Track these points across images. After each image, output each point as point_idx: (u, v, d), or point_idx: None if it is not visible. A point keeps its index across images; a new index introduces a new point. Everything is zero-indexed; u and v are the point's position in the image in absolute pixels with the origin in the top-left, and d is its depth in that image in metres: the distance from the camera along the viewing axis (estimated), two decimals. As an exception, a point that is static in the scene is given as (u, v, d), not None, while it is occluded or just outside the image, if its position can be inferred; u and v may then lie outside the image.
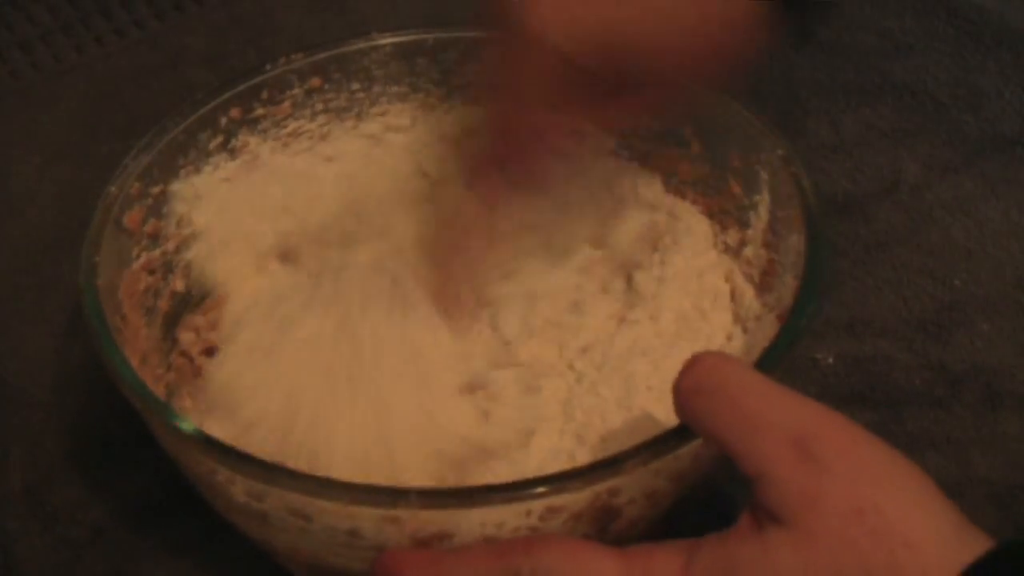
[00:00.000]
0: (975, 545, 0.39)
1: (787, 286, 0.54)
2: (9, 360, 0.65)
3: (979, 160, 0.76)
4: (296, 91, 0.62)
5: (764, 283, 0.58)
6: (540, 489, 0.44)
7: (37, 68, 0.82)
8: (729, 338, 0.58)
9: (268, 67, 0.61)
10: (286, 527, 0.46)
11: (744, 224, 0.60)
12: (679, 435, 0.45)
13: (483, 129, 0.57)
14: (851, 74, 0.81)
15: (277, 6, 0.86)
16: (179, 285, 0.59)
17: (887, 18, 0.85)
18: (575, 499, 0.44)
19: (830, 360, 0.65)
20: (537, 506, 0.44)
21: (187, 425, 0.46)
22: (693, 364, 0.43)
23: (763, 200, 0.58)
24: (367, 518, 0.44)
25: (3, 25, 0.85)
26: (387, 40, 0.63)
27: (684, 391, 0.43)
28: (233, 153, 0.61)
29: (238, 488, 0.46)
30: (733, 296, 0.59)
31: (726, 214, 0.61)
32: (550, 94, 0.52)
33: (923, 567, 0.38)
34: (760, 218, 0.58)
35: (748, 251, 0.59)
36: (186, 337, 0.59)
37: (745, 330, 0.58)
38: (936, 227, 0.72)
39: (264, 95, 0.61)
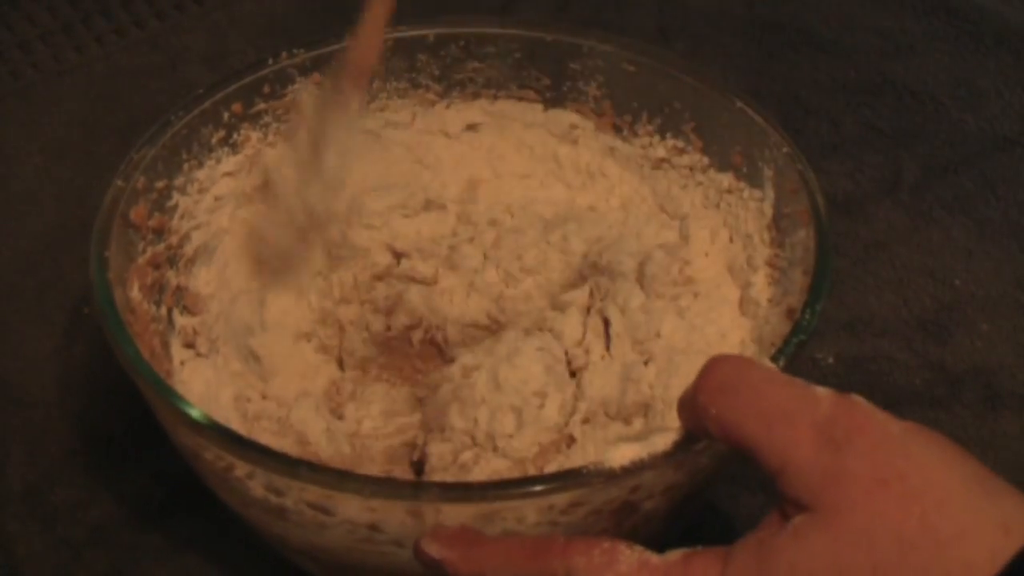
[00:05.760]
0: (1005, 499, 0.39)
1: (794, 281, 0.54)
2: (9, 360, 0.65)
3: (979, 160, 0.76)
4: (297, 86, 0.62)
5: (770, 276, 0.58)
6: (560, 485, 0.44)
7: (37, 68, 0.82)
8: (739, 329, 0.58)
9: (270, 62, 0.61)
10: (304, 522, 0.46)
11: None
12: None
13: None
14: (851, 74, 0.81)
15: (277, 6, 0.86)
16: (183, 281, 0.59)
17: (887, 18, 0.85)
18: (596, 495, 0.44)
19: (830, 360, 0.65)
20: (559, 501, 0.44)
21: (203, 417, 0.46)
22: (714, 365, 0.43)
23: (767, 196, 0.58)
24: (389, 512, 0.44)
25: (3, 25, 0.84)
26: (387, 35, 0.63)
27: (708, 390, 0.42)
28: (235, 148, 0.61)
29: (256, 482, 0.46)
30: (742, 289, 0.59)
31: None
32: None
33: (959, 527, 0.38)
34: (764, 214, 0.58)
35: (752, 244, 0.59)
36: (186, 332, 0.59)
37: (753, 318, 0.58)
38: (936, 227, 0.72)
39: (265, 90, 0.61)
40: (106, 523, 0.58)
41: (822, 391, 0.41)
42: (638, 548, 0.42)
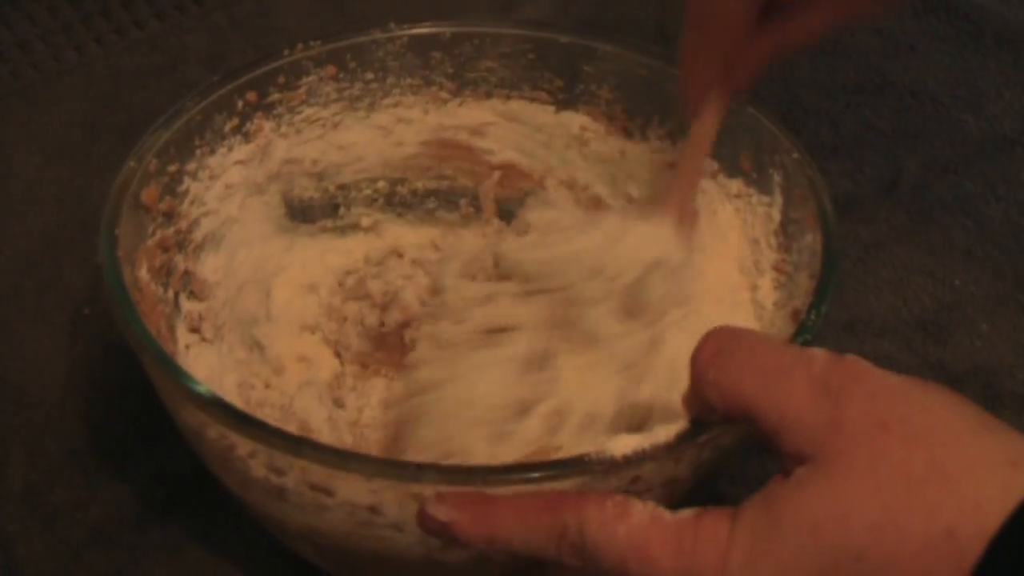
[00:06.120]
0: (1009, 437, 0.39)
1: (800, 284, 0.55)
2: (9, 360, 0.65)
3: (979, 160, 0.76)
4: (311, 78, 0.62)
5: (776, 281, 0.58)
6: (561, 472, 0.44)
7: (37, 68, 0.82)
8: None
9: (285, 53, 0.61)
10: (304, 504, 0.46)
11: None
12: (700, 424, 0.45)
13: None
14: (851, 74, 0.81)
15: (277, 6, 0.86)
16: (190, 265, 0.59)
17: (887, 18, 0.85)
18: (596, 484, 0.45)
19: (830, 360, 0.65)
20: (559, 488, 0.44)
21: (209, 392, 0.46)
22: (710, 334, 0.44)
23: (775, 202, 0.58)
24: (389, 493, 0.45)
25: (3, 25, 0.84)
26: (403, 32, 0.64)
27: (704, 358, 0.43)
28: (247, 137, 0.61)
29: (258, 461, 0.46)
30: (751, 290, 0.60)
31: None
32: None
33: (966, 463, 0.38)
34: (772, 219, 0.59)
35: (759, 249, 0.60)
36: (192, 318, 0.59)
37: (759, 321, 0.58)
38: (936, 227, 0.72)
39: (280, 80, 0.62)
40: (106, 523, 0.58)
41: (817, 350, 0.42)
42: (651, 503, 0.42)
